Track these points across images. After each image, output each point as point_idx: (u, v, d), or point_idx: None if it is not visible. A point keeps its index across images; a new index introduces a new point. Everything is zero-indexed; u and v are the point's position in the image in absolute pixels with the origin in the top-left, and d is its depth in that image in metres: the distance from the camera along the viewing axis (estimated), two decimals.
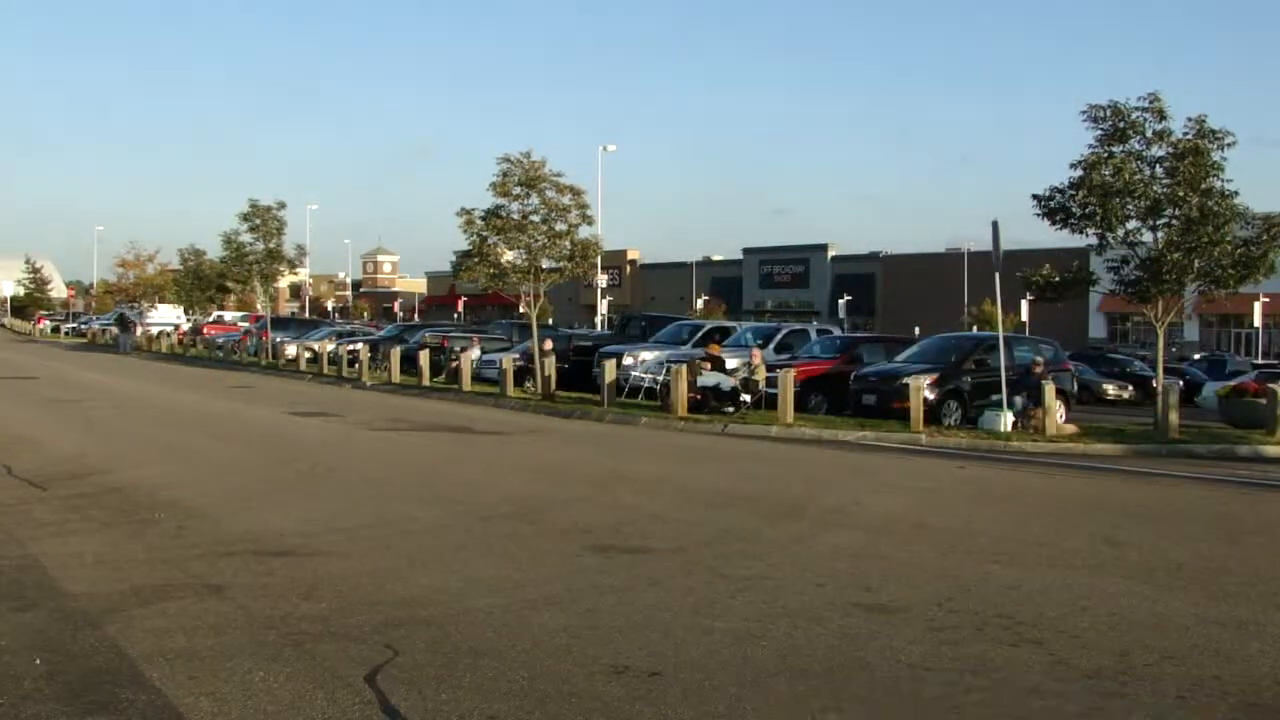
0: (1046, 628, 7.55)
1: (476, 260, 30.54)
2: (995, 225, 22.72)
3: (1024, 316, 65.33)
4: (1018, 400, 23.03)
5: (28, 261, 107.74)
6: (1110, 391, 40.98)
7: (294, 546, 9.95)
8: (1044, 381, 22.84)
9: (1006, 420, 22.42)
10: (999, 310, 26.88)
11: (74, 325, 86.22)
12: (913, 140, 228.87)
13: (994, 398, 23.26)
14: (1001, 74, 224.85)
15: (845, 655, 6.86)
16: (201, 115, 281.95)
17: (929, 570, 9.35)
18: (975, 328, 66.74)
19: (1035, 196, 23.16)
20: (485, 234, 30.27)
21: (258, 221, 48.00)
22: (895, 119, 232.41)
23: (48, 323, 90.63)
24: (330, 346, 43.21)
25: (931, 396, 23.72)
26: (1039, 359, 25.40)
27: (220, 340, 54.10)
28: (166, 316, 73.37)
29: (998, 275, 23.16)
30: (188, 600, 8.02)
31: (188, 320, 69.55)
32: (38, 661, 6.50)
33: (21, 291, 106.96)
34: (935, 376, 24.39)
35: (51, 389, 30.07)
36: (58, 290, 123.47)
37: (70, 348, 64.14)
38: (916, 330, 63.72)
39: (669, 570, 9.19)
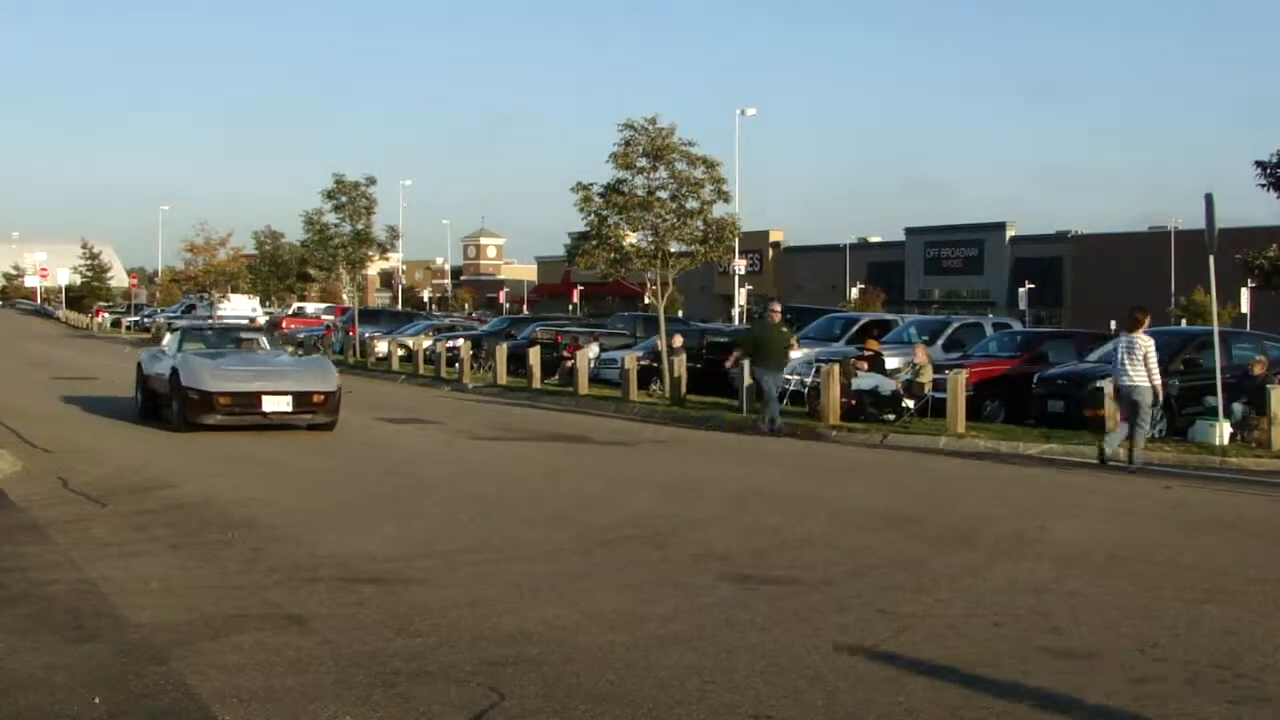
0: (1274, 681, 7.37)
1: (595, 243, 30.67)
2: (1209, 199, 22.22)
3: (1244, 307, 63.80)
4: (1237, 408, 22.50)
5: (84, 247, 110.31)
6: None
7: (386, 573, 10.11)
8: (1269, 385, 22.28)
9: (1223, 431, 21.90)
10: (1214, 300, 26.28)
11: (137, 318, 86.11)
12: (1104, 100, 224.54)
13: (1208, 403, 22.76)
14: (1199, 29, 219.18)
15: (1027, 709, 6.76)
16: (276, 85, 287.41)
17: (1128, 610, 9.19)
18: (1184, 321, 65.39)
19: (1259, 164, 22.70)
20: (604, 213, 30.38)
21: (344, 199, 47.25)
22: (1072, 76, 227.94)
23: (107, 315, 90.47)
24: (427, 343, 43.80)
25: None
26: (1263, 359, 24.78)
27: (301, 335, 54.71)
28: (240, 308, 73.74)
29: (1212, 258, 22.65)
30: (265, 633, 8.18)
31: (264, 313, 70.64)
32: (96, 700, 6.66)
33: (78, 280, 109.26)
34: None
35: (110, 390, 30.66)
36: (118, 279, 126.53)
37: (134, 344, 65.66)
38: (1112, 324, 62.53)
39: (818, 605, 9.16)
